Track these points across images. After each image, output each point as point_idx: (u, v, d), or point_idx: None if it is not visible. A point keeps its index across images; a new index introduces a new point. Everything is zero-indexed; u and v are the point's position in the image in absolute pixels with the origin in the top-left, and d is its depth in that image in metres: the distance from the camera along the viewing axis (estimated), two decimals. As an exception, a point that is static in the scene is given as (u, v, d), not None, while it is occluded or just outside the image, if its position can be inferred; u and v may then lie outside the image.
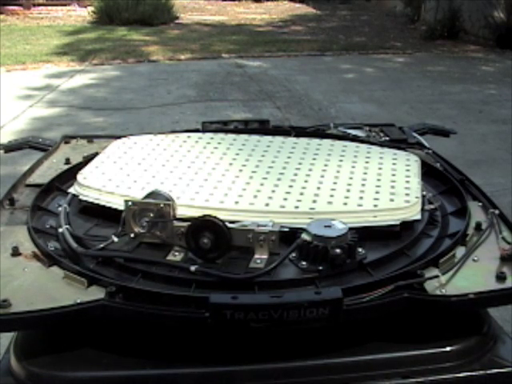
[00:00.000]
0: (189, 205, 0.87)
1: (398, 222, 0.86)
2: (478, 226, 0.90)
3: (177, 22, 9.10)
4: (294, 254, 0.79)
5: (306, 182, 0.96)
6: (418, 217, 0.88)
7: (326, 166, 1.02)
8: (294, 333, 0.73)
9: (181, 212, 0.84)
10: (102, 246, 0.83)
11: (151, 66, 6.29)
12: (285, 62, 6.54)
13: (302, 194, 0.91)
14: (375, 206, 0.88)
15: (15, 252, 0.82)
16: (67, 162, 1.15)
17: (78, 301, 0.72)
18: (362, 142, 1.18)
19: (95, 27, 8.44)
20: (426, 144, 1.26)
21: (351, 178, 0.97)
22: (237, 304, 0.69)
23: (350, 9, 10.94)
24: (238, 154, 1.06)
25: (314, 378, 0.74)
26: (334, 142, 1.14)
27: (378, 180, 0.96)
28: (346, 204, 0.88)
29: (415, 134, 1.30)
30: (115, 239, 0.83)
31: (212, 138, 1.14)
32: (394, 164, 1.03)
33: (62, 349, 0.75)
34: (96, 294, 0.73)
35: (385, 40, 7.83)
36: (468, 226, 0.89)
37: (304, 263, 0.78)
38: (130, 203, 0.82)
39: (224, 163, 1.02)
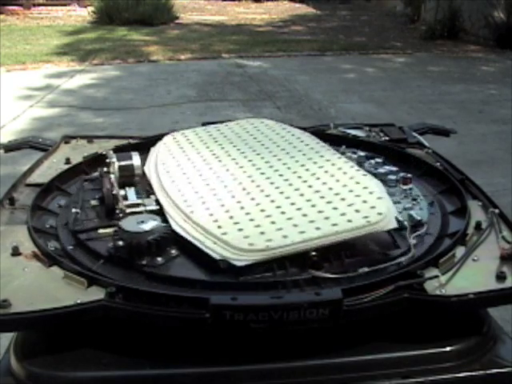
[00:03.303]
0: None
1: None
2: (478, 226, 0.89)
3: (177, 21, 9.10)
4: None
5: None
6: (394, 225, 0.84)
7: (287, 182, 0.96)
8: (294, 333, 0.73)
9: None
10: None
11: (151, 65, 6.29)
12: (285, 61, 6.54)
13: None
14: (349, 222, 0.82)
15: (15, 252, 0.82)
16: (67, 161, 1.15)
17: (79, 301, 0.72)
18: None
19: (95, 27, 8.44)
20: (425, 144, 1.26)
21: (316, 196, 0.91)
22: (237, 305, 0.69)
23: (350, 9, 10.94)
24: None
25: (313, 378, 0.74)
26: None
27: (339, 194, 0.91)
28: (318, 229, 0.81)
29: (415, 134, 1.30)
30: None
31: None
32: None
33: (62, 349, 0.75)
34: (96, 294, 0.73)
35: (385, 40, 7.83)
36: (468, 225, 0.89)
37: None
38: None
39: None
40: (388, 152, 1.17)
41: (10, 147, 1.29)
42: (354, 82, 5.63)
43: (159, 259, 0.81)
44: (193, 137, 1.15)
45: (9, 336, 0.78)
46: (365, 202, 0.86)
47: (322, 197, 0.89)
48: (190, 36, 7.94)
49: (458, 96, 5.10)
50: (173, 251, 0.83)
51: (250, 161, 1.02)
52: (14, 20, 8.88)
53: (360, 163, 1.09)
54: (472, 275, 0.79)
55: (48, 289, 0.75)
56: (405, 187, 1.02)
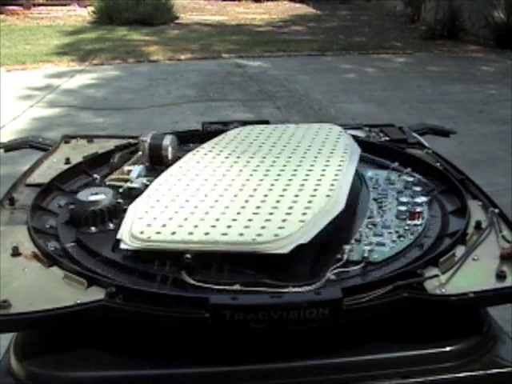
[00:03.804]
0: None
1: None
2: (478, 225, 0.89)
3: (177, 21, 9.10)
4: None
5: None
6: (284, 251, 0.77)
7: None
8: (293, 333, 0.73)
9: None
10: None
11: (151, 65, 6.29)
12: (285, 61, 6.54)
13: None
14: (240, 236, 0.79)
15: (15, 252, 0.82)
16: (67, 161, 1.15)
17: (78, 301, 0.72)
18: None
19: (95, 27, 8.44)
20: (425, 144, 1.26)
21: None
22: (237, 304, 0.69)
23: (350, 9, 10.94)
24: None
25: (313, 378, 0.74)
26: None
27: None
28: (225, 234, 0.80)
29: (415, 134, 1.30)
30: None
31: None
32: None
33: (62, 349, 0.75)
34: (96, 294, 0.73)
35: (385, 40, 7.83)
36: (468, 225, 0.89)
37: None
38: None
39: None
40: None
41: (10, 147, 1.29)
42: (354, 81, 5.63)
43: (93, 229, 0.88)
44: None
45: (9, 336, 0.78)
46: (284, 221, 0.80)
47: (275, 206, 0.85)
48: (189, 36, 7.94)
49: (458, 96, 5.10)
50: (111, 225, 0.89)
51: (247, 165, 1.01)
52: (14, 20, 8.88)
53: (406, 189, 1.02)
54: (472, 274, 0.79)
55: (48, 289, 0.75)
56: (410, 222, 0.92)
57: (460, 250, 0.83)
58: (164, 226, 0.81)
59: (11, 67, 5.94)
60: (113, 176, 1.05)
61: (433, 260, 0.80)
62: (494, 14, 7.38)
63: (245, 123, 1.29)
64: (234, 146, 1.09)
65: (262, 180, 0.94)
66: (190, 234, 0.79)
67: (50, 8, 9.68)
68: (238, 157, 1.04)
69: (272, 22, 9.34)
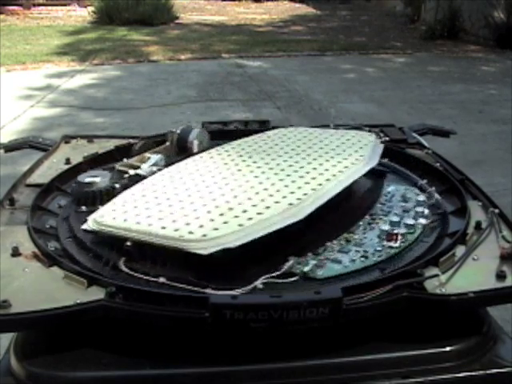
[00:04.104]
0: None
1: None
2: (478, 225, 0.90)
3: (177, 22, 9.11)
4: None
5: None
6: (204, 252, 0.77)
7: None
8: (293, 333, 0.73)
9: None
10: None
11: (151, 66, 6.29)
12: (285, 62, 6.55)
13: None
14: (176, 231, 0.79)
15: (15, 252, 0.82)
16: (67, 161, 1.15)
17: (78, 301, 0.72)
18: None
19: (95, 27, 8.44)
20: (425, 144, 1.26)
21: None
22: (237, 304, 0.69)
23: (350, 9, 10.95)
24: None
25: (313, 378, 0.74)
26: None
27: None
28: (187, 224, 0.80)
29: (415, 135, 1.30)
30: None
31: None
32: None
33: (62, 349, 0.75)
34: (96, 294, 0.73)
35: (385, 40, 7.83)
36: (468, 225, 0.89)
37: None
38: None
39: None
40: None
41: (10, 147, 1.28)
42: (354, 81, 5.63)
43: (83, 208, 0.94)
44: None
45: (9, 336, 0.78)
46: (226, 223, 0.79)
47: (232, 207, 0.84)
48: (190, 36, 7.95)
49: (458, 96, 5.11)
50: (99, 207, 0.91)
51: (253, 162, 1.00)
52: (14, 20, 8.88)
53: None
54: (472, 274, 0.79)
55: (48, 289, 0.75)
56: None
57: (460, 250, 0.83)
58: (125, 212, 0.85)
59: (11, 67, 5.94)
60: (126, 161, 1.09)
61: (433, 260, 0.80)
62: (494, 14, 7.38)
63: (245, 123, 1.29)
64: (252, 146, 1.08)
65: (248, 181, 0.92)
66: (137, 223, 0.81)
67: (49, 8, 9.69)
68: (247, 158, 1.03)
69: (272, 22, 9.34)
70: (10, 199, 0.99)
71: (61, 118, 4.33)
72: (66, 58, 6.40)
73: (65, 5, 9.84)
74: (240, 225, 0.78)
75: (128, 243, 0.80)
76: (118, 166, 1.07)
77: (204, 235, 0.77)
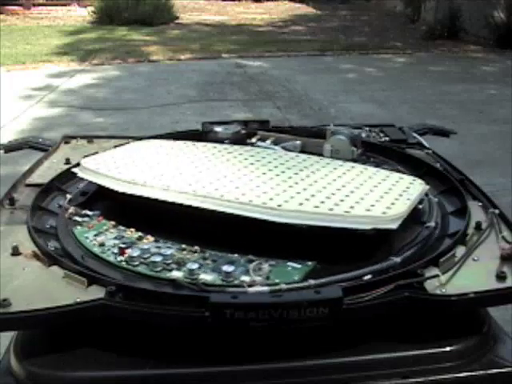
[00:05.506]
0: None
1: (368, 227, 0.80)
2: (478, 226, 0.89)
3: (177, 22, 9.11)
4: None
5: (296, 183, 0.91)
6: (393, 226, 0.81)
7: (327, 174, 0.97)
8: (293, 332, 0.73)
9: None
10: None
11: (151, 65, 6.30)
12: (285, 62, 6.55)
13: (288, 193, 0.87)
14: (347, 212, 0.82)
15: (15, 252, 0.82)
16: (67, 162, 1.15)
17: (78, 300, 0.72)
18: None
19: (95, 27, 8.45)
20: (425, 144, 1.26)
21: (344, 186, 0.91)
22: (237, 303, 0.69)
23: (350, 9, 10.95)
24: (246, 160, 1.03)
25: (313, 378, 0.74)
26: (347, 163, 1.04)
27: (368, 193, 0.89)
28: (317, 207, 0.83)
29: (415, 135, 1.30)
30: None
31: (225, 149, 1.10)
32: (393, 184, 0.94)
33: (61, 349, 0.75)
34: (96, 293, 0.73)
35: (385, 40, 7.84)
36: (468, 225, 0.89)
37: None
38: None
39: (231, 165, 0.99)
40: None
41: (10, 147, 1.29)
42: (354, 81, 5.63)
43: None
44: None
45: (9, 336, 0.79)
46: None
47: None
48: (190, 36, 7.95)
49: (459, 96, 5.11)
50: None
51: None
52: (14, 20, 8.89)
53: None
54: (472, 275, 0.79)
55: (48, 288, 0.75)
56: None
57: (460, 251, 0.83)
58: (105, 163, 0.97)
59: (11, 67, 5.94)
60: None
61: (433, 260, 0.80)
62: (494, 14, 7.38)
63: (245, 123, 1.29)
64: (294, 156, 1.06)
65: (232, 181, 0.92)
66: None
67: (49, 8, 9.69)
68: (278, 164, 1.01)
69: (272, 22, 9.34)
70: (10, 199, 0.99)
71: (60, 118, 4.34)
72: (66, 57, 6.41)
73: (65, 5, 9.85)
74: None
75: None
76: None
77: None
